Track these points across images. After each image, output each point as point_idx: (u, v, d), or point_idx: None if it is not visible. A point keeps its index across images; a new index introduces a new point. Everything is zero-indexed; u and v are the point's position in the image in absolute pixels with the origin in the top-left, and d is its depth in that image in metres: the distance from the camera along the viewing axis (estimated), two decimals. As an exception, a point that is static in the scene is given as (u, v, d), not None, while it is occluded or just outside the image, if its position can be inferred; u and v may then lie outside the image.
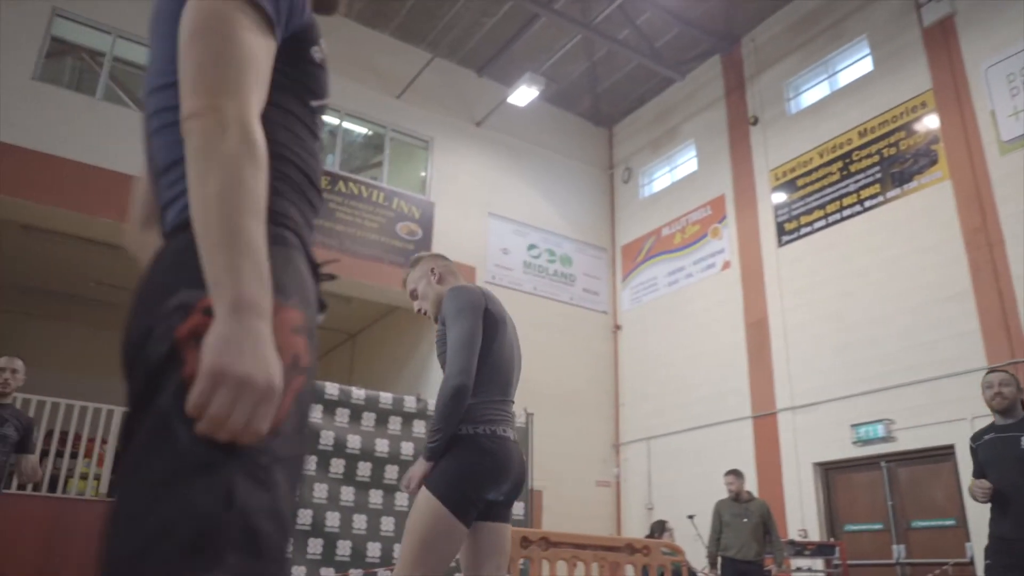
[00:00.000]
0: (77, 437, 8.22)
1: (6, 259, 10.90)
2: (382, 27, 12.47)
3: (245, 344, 0.85)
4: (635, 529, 11.82)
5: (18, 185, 8.85)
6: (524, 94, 12.14)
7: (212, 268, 0.89)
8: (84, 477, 8.39)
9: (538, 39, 12.57)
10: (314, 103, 1.18)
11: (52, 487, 7.98)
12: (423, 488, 2.58)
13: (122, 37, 10.27)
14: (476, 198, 12.78)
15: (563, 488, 11.58)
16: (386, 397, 6.78)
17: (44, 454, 7.87)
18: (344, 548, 7.41)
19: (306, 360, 0.99)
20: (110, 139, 9.52)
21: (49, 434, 8.06)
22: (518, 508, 8.61)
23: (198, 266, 0.92)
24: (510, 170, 13.41)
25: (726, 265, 12.03)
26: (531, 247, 13.17)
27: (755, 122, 12.13)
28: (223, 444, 0.86)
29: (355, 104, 11.92)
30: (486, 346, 2.71)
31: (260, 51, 1.03)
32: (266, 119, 1.04)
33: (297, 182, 1.12)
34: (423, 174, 12.68)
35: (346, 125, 12.16)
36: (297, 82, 1.16)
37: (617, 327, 13.66)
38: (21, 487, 7.39)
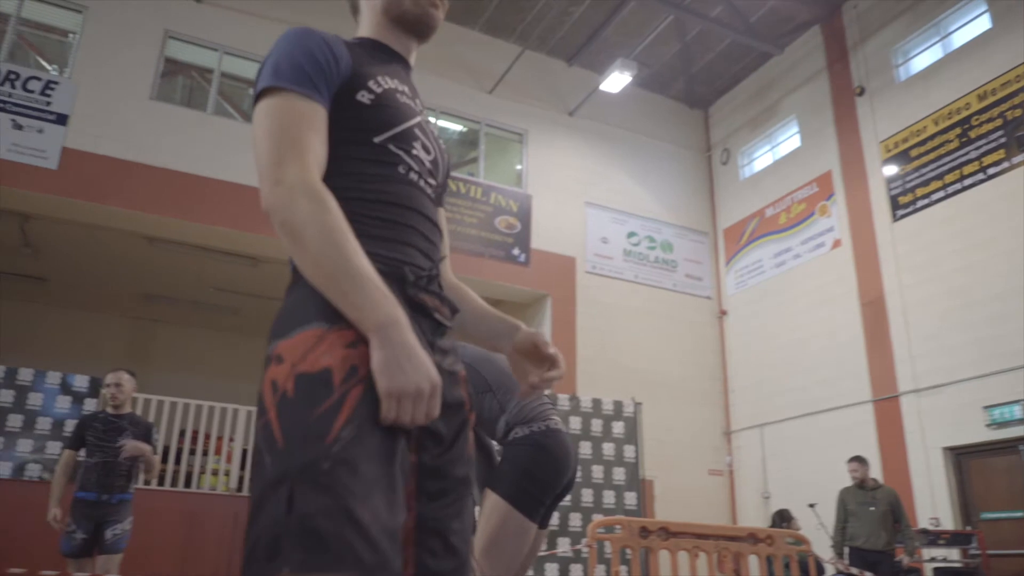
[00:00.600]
0: (207, 436, 8.66)
1: (134, 270, 11.62)
2: (471, 23, 12.56)
3: (400, 359, 1.04)
4: (751, 518, 11.52)
5: (143, 200, 9.41)
6: (616, 80, 11.95)
7: (348, 311, 1.07)
8: (215, 473, 8.86)
9: (628, 24, 12.37)
10: (378, 139, 1.29)
11: (187, 483, 8.45)
12: (489, 491, 2.64)
13: (228, 53, 10.74)
14: (572, 188, 12.72)
15: (674, 477, 11.41)
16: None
17: (178, 452, 8.35)
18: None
19: (365, 369, 1.08)
20: (222, 151, 9.99)
21: (181, 433, 8.53)
22: (630, 498, 8.53)
23: (282, 317, 1.15)
24: (605, 158, 13.28)
25: (836, 243, 11.53)
26: (630, 235, 13.00)
27: (861, 92, 11.55)
28: (293, 460, 1.01)
29: (449, 101, 12.06)
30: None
31: (305, 117, 1.20)
32: (327, 171, 1.22)
33: (364, 213, 1.24)
34: (519, 167, 12.72)
35: (441, 123, 12.33)
36: (350, 129, 1.28)
37: (722, 312, 13.32)
38: (160, 483, 7.87)
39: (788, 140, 13.09)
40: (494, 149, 12.77)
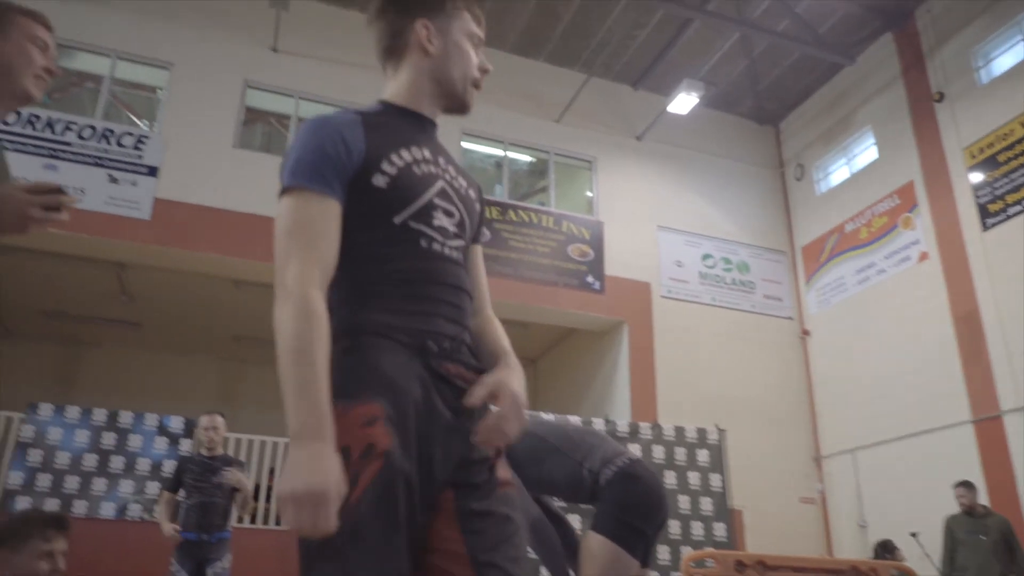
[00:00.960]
0: (295, 472, 8.84)
1: (222, 312, 12.05)
2: (535, 55, 12.70)
3: (300, 466, 1.10)
4: (847, 549, 11.05)
5: (228, 245, 9.78)
6: (684, 102, 11.86)
7: (287, 413, 1.15)
8: (304, 509, 9.01)
9: (693, 44, 12.29)
10: (398, 219, 1.36)
11: (278, 520, 8.64)
12: (590, 533, 2.60)
13: (303, 99, 11.12)
14: (644, 213, 12.62)
15: (764, 507, 11.04)
16: (574, 420, 6.80)
17: (268, 490, 8.56)
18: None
19: (384, 444, 1.21)
20: (301, 194, 10.30)
21: (271, 471, 8.75)
22: (719, 529, 8.32)
23: None
24: (676, 180, 13.15)
25: (923, 256, 11.09)
26: (705, 257, 12.80)
27: (940, 98, 11.14)
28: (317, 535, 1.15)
29: (517, 133, 12.18)
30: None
31: (316, 217, 1.28)
32: (346, 258, 1.32)
33: (388, 293, 1.33)
34: (589, 194, 12.71)
35: (510, 154, 12.45)
36: (369, 214, 1.35)
37: (805, 332, 12.92)
38: (252, 520, 8.08)
39: (865, 152, 12.72)
40: (564, 177, 12.81)
